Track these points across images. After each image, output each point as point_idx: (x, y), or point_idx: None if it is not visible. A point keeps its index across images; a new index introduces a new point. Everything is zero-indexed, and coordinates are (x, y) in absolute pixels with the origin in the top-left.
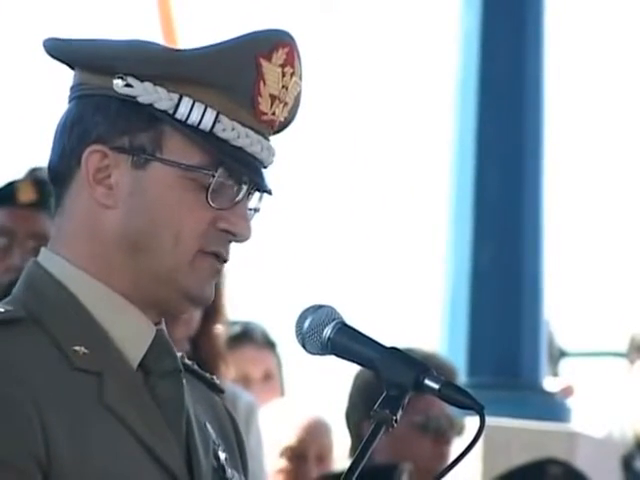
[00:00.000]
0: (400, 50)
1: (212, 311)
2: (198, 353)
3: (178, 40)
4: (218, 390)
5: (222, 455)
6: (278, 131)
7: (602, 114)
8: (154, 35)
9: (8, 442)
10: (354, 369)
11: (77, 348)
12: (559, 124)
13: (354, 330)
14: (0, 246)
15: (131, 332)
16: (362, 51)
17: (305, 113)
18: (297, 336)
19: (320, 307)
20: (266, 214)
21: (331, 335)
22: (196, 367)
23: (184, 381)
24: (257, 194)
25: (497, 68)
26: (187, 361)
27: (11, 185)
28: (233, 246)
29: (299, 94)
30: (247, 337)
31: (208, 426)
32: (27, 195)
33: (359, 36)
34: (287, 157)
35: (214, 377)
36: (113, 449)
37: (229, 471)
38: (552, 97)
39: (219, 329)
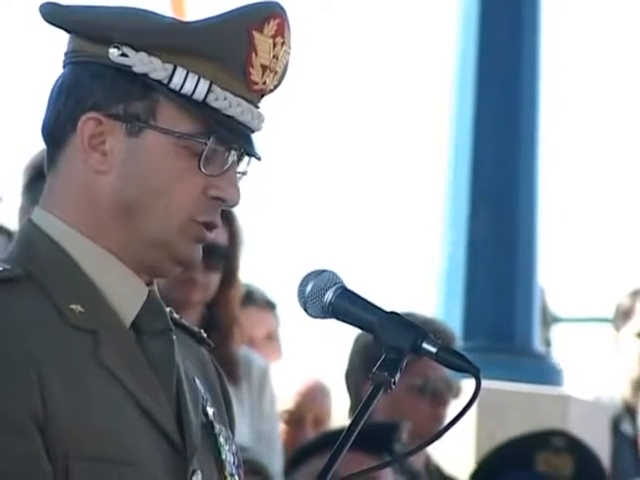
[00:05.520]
0: (399, 36)
1: (229, 276)
2: (213, 317)
3: (186, 13)
4: (206, 344)
5: (210, 410)
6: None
7: (597, 88)
8: (163, 7)
9: (6, 399)
10: (354, 332)
11: (73, 306)
12: (555, 96)
13: (355, 295)
14: None
15: (124, 291)
16: (360, 35)
17: (305, 94)
18: (299, 300)
19: (322, 272)
20: (267, 179)
21: (332, 299)
22: (184, 321)
23: (174, 338)
24: (246, 159)
25: (495, 47)
26: (175, 315)
27: None
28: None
29: (288, 62)
30: (249, 299)
31: (197, 381)
32: None
33: (357, 20)
34: (291, 125)
35: (202, 331)
36: (108, 406)
37: (217, 426)
38: (548, 72)
39: (235, 293)
